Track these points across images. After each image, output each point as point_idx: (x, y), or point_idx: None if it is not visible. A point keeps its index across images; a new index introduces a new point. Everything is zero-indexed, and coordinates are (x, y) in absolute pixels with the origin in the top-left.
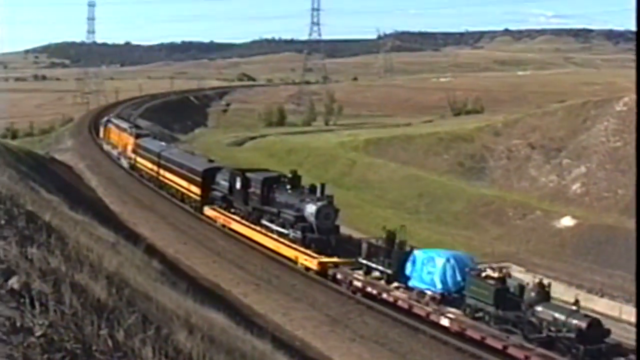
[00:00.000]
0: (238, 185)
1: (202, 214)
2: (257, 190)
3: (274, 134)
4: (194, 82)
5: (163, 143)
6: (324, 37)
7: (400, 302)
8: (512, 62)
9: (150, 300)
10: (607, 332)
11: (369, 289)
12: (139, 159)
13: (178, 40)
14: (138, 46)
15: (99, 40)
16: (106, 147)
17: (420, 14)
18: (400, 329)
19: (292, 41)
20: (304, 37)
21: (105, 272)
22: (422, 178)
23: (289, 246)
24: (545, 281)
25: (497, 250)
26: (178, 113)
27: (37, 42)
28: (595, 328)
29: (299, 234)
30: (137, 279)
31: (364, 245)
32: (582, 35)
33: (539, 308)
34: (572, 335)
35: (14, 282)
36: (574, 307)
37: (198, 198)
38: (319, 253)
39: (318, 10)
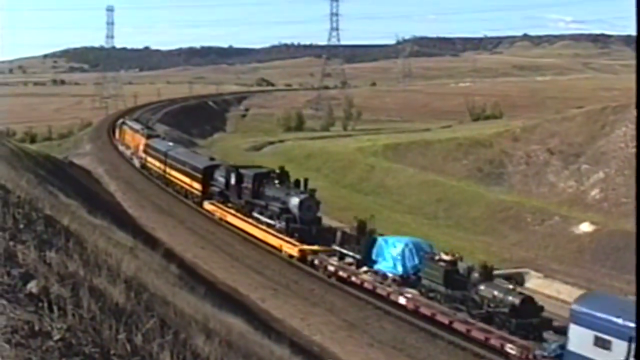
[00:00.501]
0: (233, 180)
1: (202, 208)
2: (249, 185)
3: (293, 139)
4: (212, 87)
5: (171, 143)
6: (343, 42)
7: (366, 284)
8: (531, 68)
9: (168, 304)
10: (541, 308)
11: (340, 273)
12: (149, 159)
13: (197, 45)
14: (157, 51)
15: (118, 45)
16: (121, 147)
17: (439, 19)
18: (418, 334)
19: (311, 46)
20: (323, 42)
21: (124, 277)
22: (440, 183)
23: (275, 236)
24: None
25: (515, 255)
26: (197, 118)
27: (56, 46)
28: (528, 305)
29: (283, 224)
30: (155, 283)
31: (338, 234)
32: (601, 40)
33: (481, 287)
34: (507, 310)
35: (32, 286)
36: (511, 286)
37: (199, 193)
38: (301, 242)
39: (337, 15)
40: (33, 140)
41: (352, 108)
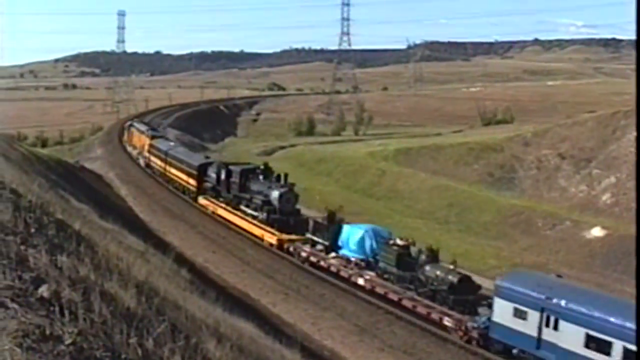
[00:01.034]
0: (223, 176)
1: (197, 203)
2: (236, 180)
3: (304, 144)
4: (223, 91)
5: (172, 143)
6: (354, 46)
7: (332, 268)
8: (542, 72)
9: (180, 309)
10: (478, 287)
11: (311, 258)
12: (152, 158)
13: (208, 49)
14: (168, 55)
15: (129, 50)
16: (129, 148)
17: (450, 23)
18: (429, 339)
19: (322, 51)
20: (334, 46)
21: (135, 281)
22: (451, 188)
23: (258, 226)
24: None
25: (526, 260)
26: (208, 122)
27: (67, 51)
28: (465, 283)
29: (265, 216)
30: (166, 287)
31: (311, 223)
32: (612, 45)
33: (427, 268)
34: (446, 288)
35: (43, 290)
36: (451, 267)
37: (194, 189)
38: (280, 231)
39: (348, 20)
40: (44, 144)
41: (363, 113)
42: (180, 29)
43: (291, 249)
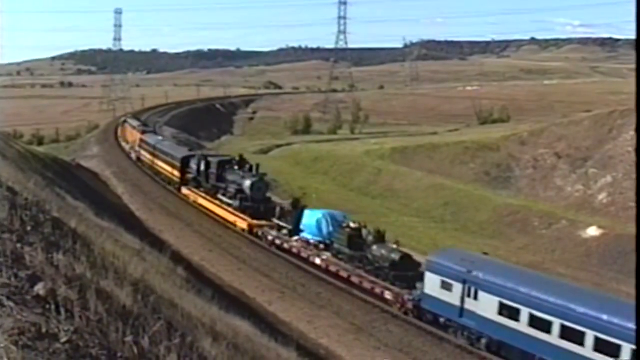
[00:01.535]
0: (202, 167)
1: (180, 193)
2: (214, 171)
3: (300, 142)
4: (220, 89)
5: (160, 137)
6: (351, 45)
7: (294, 249)
8: (539, 71)
9: (176, 307)
10: (418, 264)
11: (277, 241)
12: (142, 152)
13: (205, 48)
14: (164, 54)
15: (126, 48)
16: (123, 143)
17: (447, 22)
18: (425, 337)
19: (318, 49)
20: (331, 45)
21: (131, 279)
22: (448, 187)
23: (232, 213)
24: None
25: (522, 259)
26: (204, 121)
27: (63, 49)
28: (406, 261)
29: (238, 203)
30: (162, 286)
31: (277, 209)
32: (609, 44)
33: (374, 247)
34: (388, 265)
35: (40, 288)
36: (394, 246)
37: (178, 180)
38: (252, 217)
39: (345, 18)
40: (40, 142)
41: (359, 111)
42: (176, 27)
43: (259, 233)
